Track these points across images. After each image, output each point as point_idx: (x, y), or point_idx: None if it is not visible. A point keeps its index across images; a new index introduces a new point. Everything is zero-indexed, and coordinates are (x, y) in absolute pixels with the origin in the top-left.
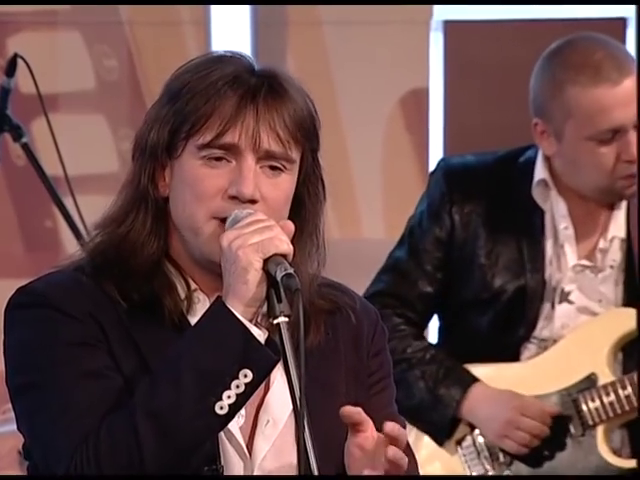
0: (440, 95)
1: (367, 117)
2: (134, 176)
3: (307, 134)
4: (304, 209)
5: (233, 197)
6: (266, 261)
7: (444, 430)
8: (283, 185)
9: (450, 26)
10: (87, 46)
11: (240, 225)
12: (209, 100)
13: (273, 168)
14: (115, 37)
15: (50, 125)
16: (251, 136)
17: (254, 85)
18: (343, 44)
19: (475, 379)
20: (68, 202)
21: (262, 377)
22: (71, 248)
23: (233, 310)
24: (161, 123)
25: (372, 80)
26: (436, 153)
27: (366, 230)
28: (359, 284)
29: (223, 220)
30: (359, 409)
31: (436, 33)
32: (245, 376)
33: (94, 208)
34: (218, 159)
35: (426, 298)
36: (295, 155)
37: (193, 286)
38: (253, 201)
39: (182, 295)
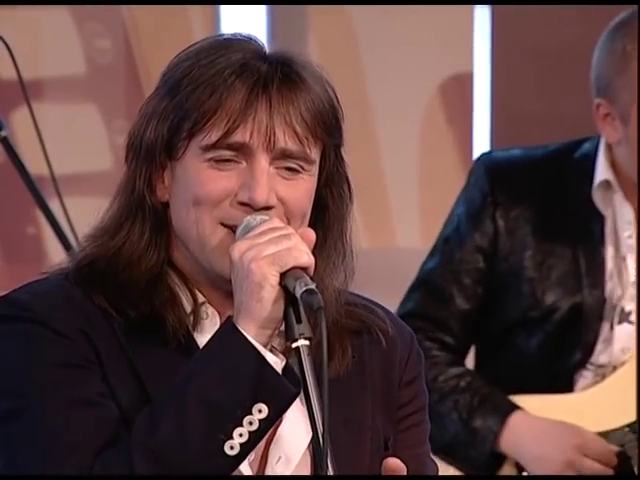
0: (486, 81)
1: (402, 107)
2: (128, 180)
3: (328, 129)
4: (327, 214)
5: (244, 204)
6: (283, 275)
7: (482, 468)
8: (303, 185)
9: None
10: (76, 24)
11: (253, 234)
12: (214, 92)
13: (290, 169)
14: (109, 14)
15: (33, 116)
16: (264, 134)
17: (266, 73)
18: (373, 24)
19: (515, 407)
20: (54, 205)
21: (279, 413)
22: (57, 258)
23: (245, 333)
24: (159, 119)
25: (407, 65)
26: (481, 148)
27: (400, 238)
28: (391, 300)
29: (233, 228)
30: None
31: (482, 10)
32: (259, 411)
33: (84, 212)
34: (226, 161)
35: (464, 317)
36: (314, 154)
37: (201, 299)
38: (268, 207)
39: (188, 309)
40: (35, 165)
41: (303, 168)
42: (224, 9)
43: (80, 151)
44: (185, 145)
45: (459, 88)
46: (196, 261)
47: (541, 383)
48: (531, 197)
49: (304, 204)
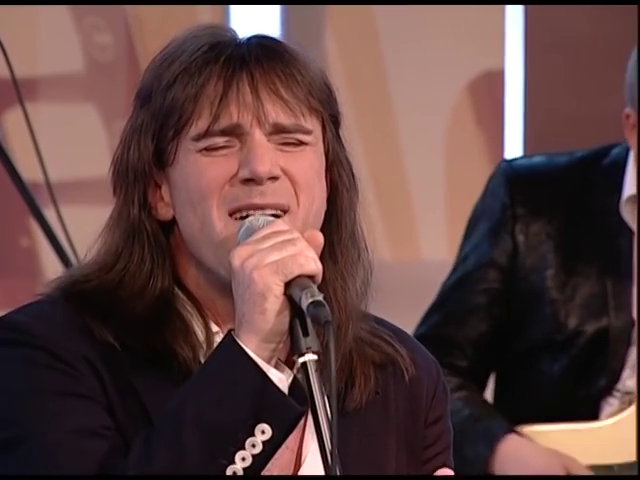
0: (519, 79)
1: (427, 107)
2: (120, 210)
3: (323, 98)
4: (338, 197)
5: (247, 180)
6: (288, 285)
7: None
8: (306, 156)
9: None
10: (74, 19)
11: (254, 238)
12: (190, 80)
13: (288, 144)
14: (110, 7)
15: (27, 117)
16: (252, 108)
17: (239, 49)
18: (395, 20)
19: (508, 431)
20: (50, 214)
21: (284, 433)
22: (53, 272)
23: (245, 347)
24: (140, 134)
25: (433, 62)
26: (513, 151)
27: (425, 250)
28: (416, 317)
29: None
30: None
31: (514, 5)
32: (262, 432)
33: (82, 222)
34: (220, 148)
35: (479, 339)
36: (310, 124)
37: (215, 328)
38: (274, 178)
39: (201, 337)
40: (29, 170)
41: (302, 141)
42: (234, 8)
43: (78, 155)
44: (175, 145)
45: (489, 86)
46: (208, 272)
47: (565, 410)
48: (554, 210)
49: (309, 175)
